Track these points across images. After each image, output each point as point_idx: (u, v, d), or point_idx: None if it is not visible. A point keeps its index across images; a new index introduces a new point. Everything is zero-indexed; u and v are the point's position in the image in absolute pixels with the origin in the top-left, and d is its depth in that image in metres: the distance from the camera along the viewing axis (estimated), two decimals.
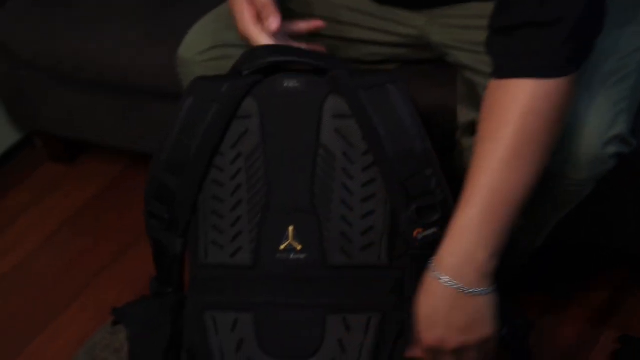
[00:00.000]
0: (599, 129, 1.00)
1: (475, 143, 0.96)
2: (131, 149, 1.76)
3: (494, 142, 0.92)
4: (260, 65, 1.05)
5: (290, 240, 1.03)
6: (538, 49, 0.91)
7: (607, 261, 1.49)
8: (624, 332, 1.38)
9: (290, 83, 1.05)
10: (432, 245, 0.98)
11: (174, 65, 1.27)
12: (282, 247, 1.03)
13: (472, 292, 0.93)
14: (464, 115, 1.15)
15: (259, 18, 1.08)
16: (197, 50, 1.21)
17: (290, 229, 1.03)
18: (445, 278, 0.93)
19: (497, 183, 0.92)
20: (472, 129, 1.12)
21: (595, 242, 1.41)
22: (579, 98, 0.99)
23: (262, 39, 1.07)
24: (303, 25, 1.12)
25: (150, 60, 1.50)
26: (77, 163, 1.95)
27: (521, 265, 1.30)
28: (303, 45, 1.10)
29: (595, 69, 1.02)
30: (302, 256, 1.03)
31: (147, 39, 1.51)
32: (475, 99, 1.10)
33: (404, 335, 1.01)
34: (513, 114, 0.91)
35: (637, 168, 1.18)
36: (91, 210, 1.81)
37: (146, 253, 1.61)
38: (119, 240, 1.71)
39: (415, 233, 1.00)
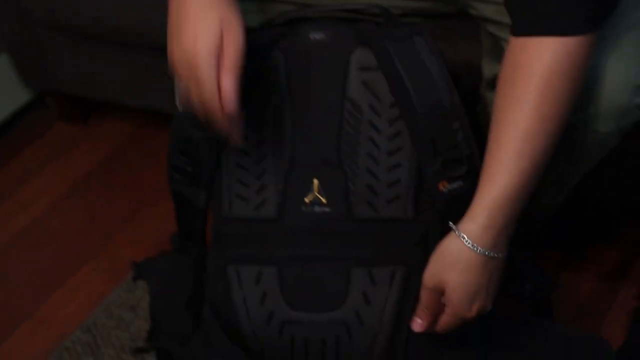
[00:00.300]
0: (625, 78, 0.99)
1: (495, 104, 0.95)
2: (148, 107, 1.74)
3: (517, 108, 0.91)
4: (288, 18, 1.04)
5: (315, 193, 1.03)
6: (558, 6, 0.90)
7: (627, 218, 1.49)
8: None
9: (317, 35, 1.04)
10: (457, 200, 0.98)
11: None
12: (308, 200, 1.03)
13: (501, 256, 0.95)
14: (488, 69, 1.15)
15: None
16: None
17: (316, 181, 1.03)
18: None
19: (524, 150, 0.91)
20: (496, 82, 1.11)
21: (614, 200, 1.41)
22: (604, 49, 0.98)
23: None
24: None
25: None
26: (90, 123, 1.93)
27: (539, 224, 1.30)
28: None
29: (620, 21, 1.00)
30: (327, 209, 1.02)
31: None
32: (500, 53, 1.08)
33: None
34: (535, 74, 0.90)
35: None
36: (104, 170, 1.80)
37: (161, 212, 1.61)
38: (133, 199, 1.70)
39: (440, 186, 1.00)
